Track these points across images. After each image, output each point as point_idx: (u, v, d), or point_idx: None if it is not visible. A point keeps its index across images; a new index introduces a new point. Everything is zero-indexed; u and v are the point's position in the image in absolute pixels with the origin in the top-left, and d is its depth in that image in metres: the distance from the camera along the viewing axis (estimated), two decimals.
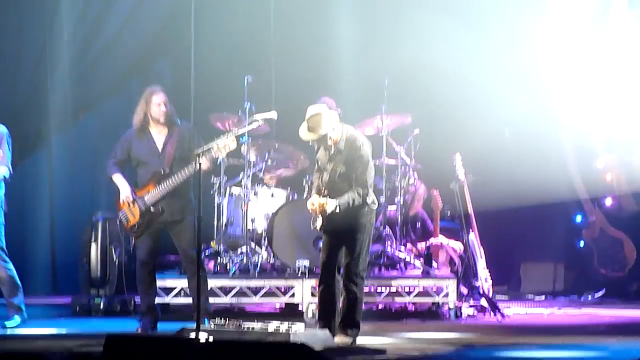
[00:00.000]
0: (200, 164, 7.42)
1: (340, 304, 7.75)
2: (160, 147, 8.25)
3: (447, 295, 9.43)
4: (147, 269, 8.30)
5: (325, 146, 7.58)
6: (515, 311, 9.93)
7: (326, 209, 7.44)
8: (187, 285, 8.96)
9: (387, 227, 9.96)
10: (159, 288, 9.19)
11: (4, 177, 8.32)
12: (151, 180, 8.18)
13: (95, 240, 9.55)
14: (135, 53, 11.49)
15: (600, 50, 11.25)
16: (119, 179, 8.30)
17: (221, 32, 11.29)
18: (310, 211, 7.51)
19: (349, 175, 7.43)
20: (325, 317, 7.71)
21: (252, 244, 9.54)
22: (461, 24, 11.42)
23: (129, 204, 8.14)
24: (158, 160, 8.26)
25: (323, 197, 7.49)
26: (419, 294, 9.53)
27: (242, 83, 9.65)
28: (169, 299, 9.18)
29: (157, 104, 8.12)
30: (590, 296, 11.21)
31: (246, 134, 8.99)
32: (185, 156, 8.18)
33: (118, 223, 8.44)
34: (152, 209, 8.10)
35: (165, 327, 8.52)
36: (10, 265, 8.47)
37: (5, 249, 8.44)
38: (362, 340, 7.68)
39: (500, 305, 9.62)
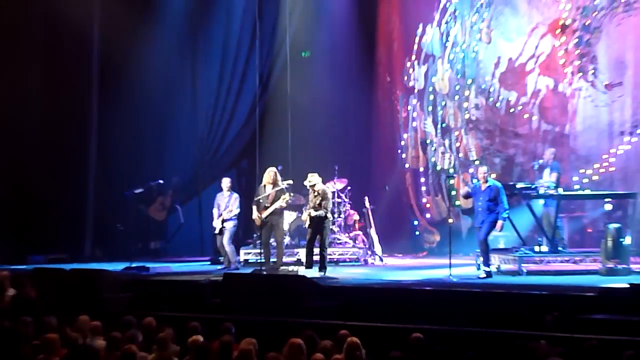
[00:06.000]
0: (280, 199, 11.81)
1: (318, 257, 11.49)
2: (267, 194, 12.02)
3: (362, 255, 13.71)
4: (266, 243, 12.24)
5: (312, 191, 11.49)
6: (391, 261, 14.03)
7: (312, 215, 11.28)
8: (256, 252, 13.06)
9: (337, 227, 14.14)
10: (243, 252, 13.66)
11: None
12: (263, 209, 12.07)
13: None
14: (236, 154, 16.29)
15: None
16: (254, 208, 12.18)
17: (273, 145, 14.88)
18: (303, 219, 11.94)
19: (321, 204, 11.44)
20: (307, 261, 11.52)
21: None
22: None
23: (257, 217, 12.07)
24: (266, 200, 12.14)
25: (311, 212, 11.32)
26: (351, 255, 13.84)
27: (276, 168, 13.06)
28: (249, 257, 13.76)
29: (267, 173, 12.16)
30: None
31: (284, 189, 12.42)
32: (276, 199, 11.95)
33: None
34: (265, 220, 12.07)
35: (247, 269, 12.62)
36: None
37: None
38: (328, 273, 11.34)
39: (384, 259, 13.82)
